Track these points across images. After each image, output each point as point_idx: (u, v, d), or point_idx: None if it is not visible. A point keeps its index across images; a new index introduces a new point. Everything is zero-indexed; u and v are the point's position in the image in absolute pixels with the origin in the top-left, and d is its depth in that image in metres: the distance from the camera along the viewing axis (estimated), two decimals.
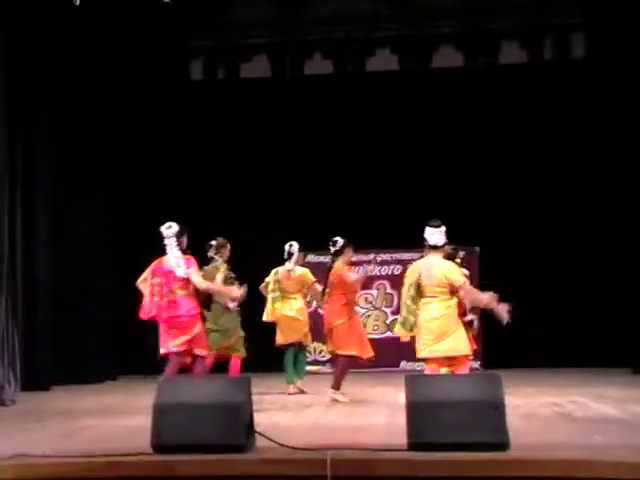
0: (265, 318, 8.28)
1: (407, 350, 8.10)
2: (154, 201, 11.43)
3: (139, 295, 6.49)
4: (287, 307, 8.24)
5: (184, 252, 6.34)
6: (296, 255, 8.40)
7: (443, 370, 5.82)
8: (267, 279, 8.38)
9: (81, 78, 9.91)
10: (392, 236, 10.55)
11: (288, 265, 8.30)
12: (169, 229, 6.39)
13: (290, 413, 6.29)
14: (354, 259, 10.59)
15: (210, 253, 7.67)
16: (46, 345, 9.18)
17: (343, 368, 7.36)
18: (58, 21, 9.28)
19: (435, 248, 6.17)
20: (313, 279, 8.34)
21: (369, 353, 7.39)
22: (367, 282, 9.34)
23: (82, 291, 9.93)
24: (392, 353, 10.23)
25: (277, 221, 11.31)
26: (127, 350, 10.92)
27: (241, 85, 11.40)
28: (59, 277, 9.53)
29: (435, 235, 6.19)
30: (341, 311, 7.38)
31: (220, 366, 7.44)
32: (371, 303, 11.21)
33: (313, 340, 9.03)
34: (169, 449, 4.02)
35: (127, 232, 11.16)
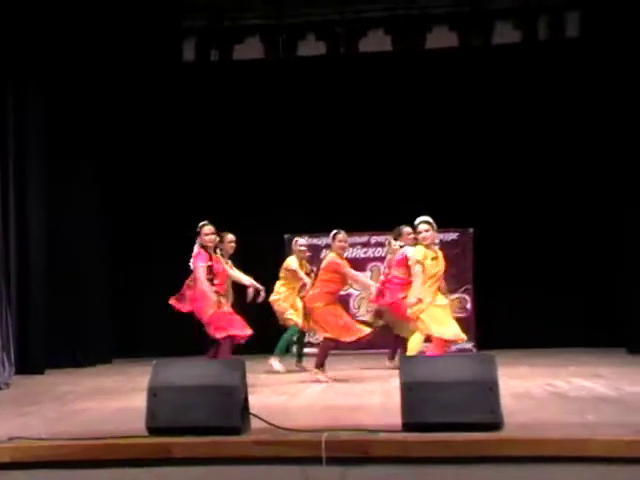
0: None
1: None
2: (148, 186, 11.43)
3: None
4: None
5: (204, 247, 6.99)
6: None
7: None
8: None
9: (72, 61, 9.84)
10: (386, 218, 10.54)
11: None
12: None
13: (285, 395, 6.31)
14: (348, 241, 10.61)
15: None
16: (40, 328, 9.18)
17: (322, 349, 7.55)
18: (47, 5, 9.20)
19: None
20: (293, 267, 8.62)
21: (351, 337, 7.39)
22: (361, 264, 9.37)
23: (76, 274, 9.91)
24: (386, 334, 10.24)
25: (270, 203, 11.31)
26: (122, 333, 10.94)
27: (234, 67, 11.33)
28: (53, 260, 9.50)
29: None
30: (322, 297, 7.47)
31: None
32: None
33: None
34: (164, 431, 4.03)
35: (123, 216, 11.16)
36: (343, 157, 11.39)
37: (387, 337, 8.76)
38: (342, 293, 8.50)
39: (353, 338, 7.40)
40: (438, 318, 6.81)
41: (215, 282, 6.92)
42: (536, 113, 11.15)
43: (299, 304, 8.43)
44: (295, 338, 8.76)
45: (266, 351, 8.76)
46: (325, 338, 7.51)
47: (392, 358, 8.49)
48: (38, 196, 9.29)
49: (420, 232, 6.93)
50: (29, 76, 9.18)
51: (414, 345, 7.07)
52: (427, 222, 6.96)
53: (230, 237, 7.80)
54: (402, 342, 7.85)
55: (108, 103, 10.73)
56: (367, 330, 7.52)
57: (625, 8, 9.92)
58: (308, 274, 8.40)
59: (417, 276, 6.81)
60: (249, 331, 6.99)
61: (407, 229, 7.97)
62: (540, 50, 10.92)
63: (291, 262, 8.71)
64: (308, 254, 8.89)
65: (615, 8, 10.15)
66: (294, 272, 8.62)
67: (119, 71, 10.78)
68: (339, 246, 7.59)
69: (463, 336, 6.93)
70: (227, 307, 7.11)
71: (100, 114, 10.56)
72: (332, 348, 7.55)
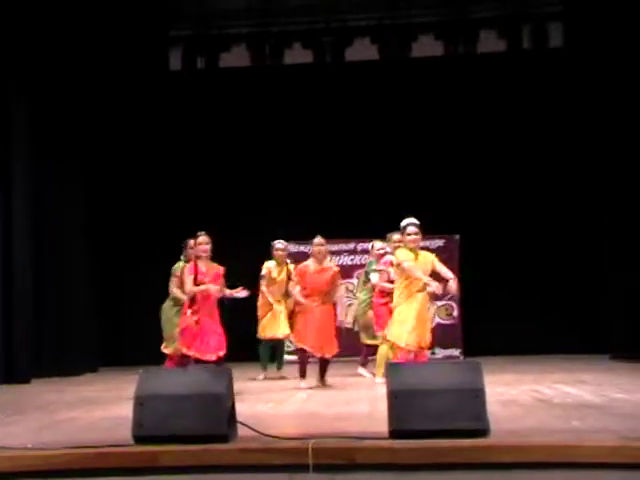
0: None
1: None
2: (134, 192, 11.40)
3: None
4: None
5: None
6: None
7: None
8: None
9: (59, 68, 9.82)
10: (373, 225, 10.55)
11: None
12: None
13: (271, 403, 6.29)
14: (335, 248, 10.65)
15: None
16: (26, 338, 9.11)
17: (299, 359, 7.58)
18: (35, 10, 9.17)
19: None
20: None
21: (326, 353, 7.35)
22: (348, 271, 9.37)
23: (62, 283, 9.86)
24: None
25: (256, 211, 11.31)
26: (108, 342, 10.89)
27: (220, 75, 11.36)
28: (38, 268, 9.44)
29: None
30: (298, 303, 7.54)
31: None
32: (352, 292, 11.22)
33: None
34: (151, 440, 4.00)
35: (108, 224, 11.11)
36: (329, 165, 11.42)
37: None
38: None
39: (328, 354, 7.38)
40: (403, 321, 6.65)
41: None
42: (521, 121, 11.24)
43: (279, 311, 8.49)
44: (268, 348, 8.75)
45: (253, 359, 8.76)
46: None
47: (364, 364, 8.60)
48: (23, 202, 9.23)
49: (409, 234, 6.78)
50: (13, 78, 9.15)
51: (384, 352, 7.26)
52: (416, 225, 6.83)
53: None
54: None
55: (94, 110, 10.71)
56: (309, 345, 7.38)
57: (607, 19, 10.02)
58: (290, 278, 8.35)
59: (411, 270, 6.67)
60: (212, 357, 6.68)
61: (396, 236, 7.89)
62: (524, 59, 11.04)
63: (264, 267, 8.65)
64: (281, 253, 8.66)
65: (598, 18, 10.26)
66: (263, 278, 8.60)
67: (106, 79, 10.77)
68: (314, 250, 7.57)
69: (415, 344, 6.60)
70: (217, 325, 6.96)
71: (86, 121, 10.53)
72: (306, 358, 7.53)
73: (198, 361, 6.63)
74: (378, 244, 8.50)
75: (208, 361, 6.61)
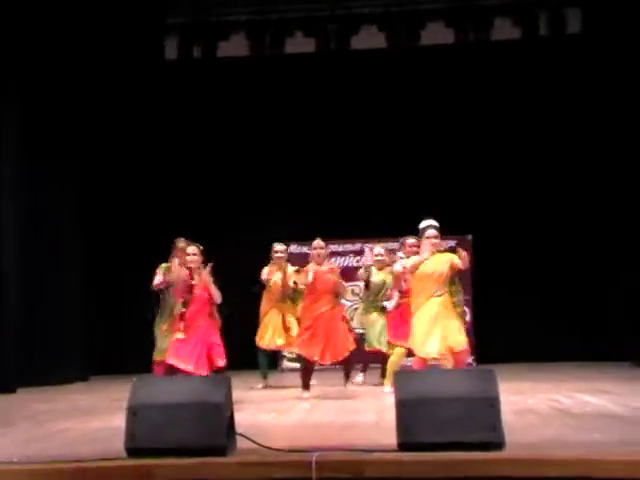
0: None
1: None
2: (127, 191, 11.38)
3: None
4: None
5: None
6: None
7: None
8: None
9: (49, 60, 9.81)
10: (380, 225, 10.56)
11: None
12: None
13: (273, 412, 6.30)
14: (340, 249, 10.67)
15: None
16: (12, 345, 9.11)
17: (303, 369, 7.57)
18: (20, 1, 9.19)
19: None
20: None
21: (338, 356, 7.34)
22: (354, 273, 9.35)
23: (50, 287, 9.86)
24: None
25: (256, 209, 11.31)
26: (100, 348, 10.89)
27: (218, 65, 11.34)
28: (26, 273, 9.45)
29: None
30: (302, 310, 7.64)
31: None
32: (358, 295, 11.22)
33: None
34: (145, 452, 4.01)
35: (101, 226, 11.09)
36: (334, 161, 11.40)
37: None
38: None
39: (328, 361, 7.41)
40: (420, 331, 6.57)
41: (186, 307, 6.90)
42: (536, 114, 11.21)
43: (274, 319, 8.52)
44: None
45: (253, 367, 8.78)
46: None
47: (363, 371, 8.68)
48: (10, 203, 9.24)
49: (429, 237, 6.63)
50: (7, 80, 9.19)
51: (396, 358, 7.35)
52: (436, 227, 6.69)
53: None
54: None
55: (86, 103, 10.71)
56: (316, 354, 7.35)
57: (628, 3, 10.00)
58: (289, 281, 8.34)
59: (412, 264, 6.67)
60: (190, 368, 6.70)
61: (410, 240, 7.78)
62: (541, 47, 10.99)
63: (262, 272, 8.61)
64: (280, 256, 8.59)
65: (617, 3, 10.24)
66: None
67: (97, 70, 10.76)
68: (314, 254, 7.56)
69: (435, 353, 6.48)
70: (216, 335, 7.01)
71: (78, 116, 10.53)
72: (307, 365, 7.53)
73: (178, 370, 6.70)
74: (377, 249, 8.49)
75: (184, 371, 6.68)
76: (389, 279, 8.26)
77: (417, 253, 6.96)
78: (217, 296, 6.91)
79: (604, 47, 10.63)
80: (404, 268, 6.98)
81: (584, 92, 11.01)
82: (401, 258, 7.98)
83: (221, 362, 6.86)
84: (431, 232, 6.65)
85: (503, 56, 11.13)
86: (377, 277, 8.37)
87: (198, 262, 6.93)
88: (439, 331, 6.49)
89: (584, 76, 10.96)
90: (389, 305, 8.10)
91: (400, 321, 7.64)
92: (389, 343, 7.98)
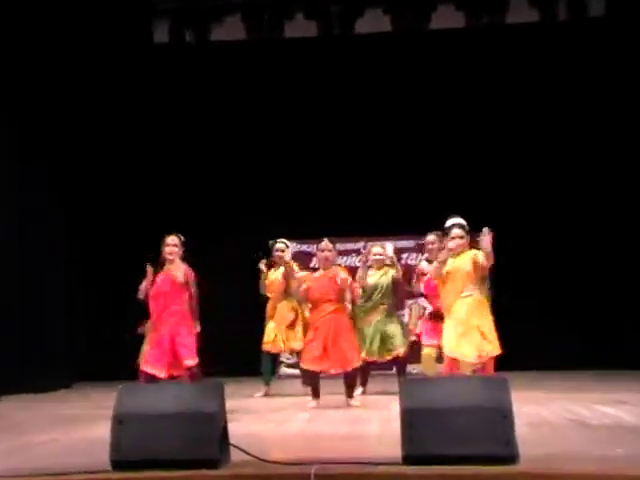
0: None
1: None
2: (115, 190, 11.35)
3: None
4: None
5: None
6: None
7: None
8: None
9: (31, 45, 9.82)
10: (385, 223, 10.56)
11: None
12: None
13: (270, 423, 6.30)
14: (342, 248, 10.68)
15: None
16: None
17: (309, 378, 7.57)
18: None
19: None
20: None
21: (345, 367, 7.35)
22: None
23: (30, 291, 9.88)
24: None
25: (254, 206, 11.29)
26: (84, 354, 10.89)
27: (211, 49, 11.31)
28: (7, 277, 9.47)
29: None
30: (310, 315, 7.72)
31: None
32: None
33: None
34: (131, 465, 4.00)
35: (82, 231, 11.07)
36: (337, 153, 11.39)
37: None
38: None
39: (332, 371, 7.40)
40: (450, 335, 6.56)
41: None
42: (555, 103, 11.18)
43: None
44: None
45: (251, 373, 8.79)
46: None
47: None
48: None
49: (453, 238, 6.56)
50: None
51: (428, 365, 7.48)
52: (462, 227, 6.62)
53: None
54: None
55: (73, 98, 10.73)
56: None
57: None
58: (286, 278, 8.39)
59: (435, 269, 6.73)
60: (163, 374, 6.76)
61: (429, 237, 7.79)
62: (560, 31, 10.95)
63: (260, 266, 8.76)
64: (280, 254, 8.58)
65: None
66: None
67: (85, 54, 10.76)
68: (320, 257, 7.60)
69: (471, 358, 6.45)
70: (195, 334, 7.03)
71: (65, 110, 10.56)
72: (313, 376, 7.50)
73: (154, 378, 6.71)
74: (376, 249, 8.49)
75: (157, 377, 6.72)
76: (384, 280, 8.32)
77: (434, 252, 7.14)
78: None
79: (630, 32, 10.58)
80: (429, 274, 7.02)
81: (607, 80, 10.97)
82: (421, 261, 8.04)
83: (190, 362, 6.82)
84: (456, 232, 6.58)
85: (519, 41, 11.08)
86: (372, 278, 8.37)
87: (177, 254, 6.95)
88: (472, 333, 6.46)
89: (608, 62, 10.91)
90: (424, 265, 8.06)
91: (431, 323, 7.71)
92: (418, 344, 8.06)
